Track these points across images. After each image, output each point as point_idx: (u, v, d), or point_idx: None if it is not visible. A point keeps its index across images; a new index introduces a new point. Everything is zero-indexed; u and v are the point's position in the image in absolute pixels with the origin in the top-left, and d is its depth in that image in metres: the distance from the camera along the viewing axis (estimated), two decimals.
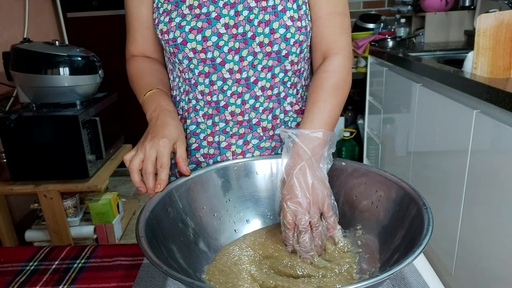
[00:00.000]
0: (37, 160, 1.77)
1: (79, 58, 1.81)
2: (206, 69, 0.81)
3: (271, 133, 0.86)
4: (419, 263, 0.71)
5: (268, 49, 0.79)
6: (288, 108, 0.86)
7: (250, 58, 0.79)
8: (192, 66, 0.81)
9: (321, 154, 0.70)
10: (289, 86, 0.85)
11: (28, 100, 1.83)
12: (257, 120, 0.85)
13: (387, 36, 2.53)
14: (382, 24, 2.78)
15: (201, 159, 0.87)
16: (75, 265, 0.77)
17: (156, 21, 0.81)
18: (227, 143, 0.85)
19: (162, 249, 0.59)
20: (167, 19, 0.79)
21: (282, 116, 0.86)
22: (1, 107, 2.00)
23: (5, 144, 1.74)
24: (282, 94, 0.85)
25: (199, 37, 0.78)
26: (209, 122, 0.85)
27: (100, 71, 1.92)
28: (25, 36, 2.12)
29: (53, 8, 2.70)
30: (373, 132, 2.62)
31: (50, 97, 1.81)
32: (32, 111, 1.79)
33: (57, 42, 1.83)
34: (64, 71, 1.77)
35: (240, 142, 0.85)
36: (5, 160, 1.78)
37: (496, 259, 1.25)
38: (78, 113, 1.74)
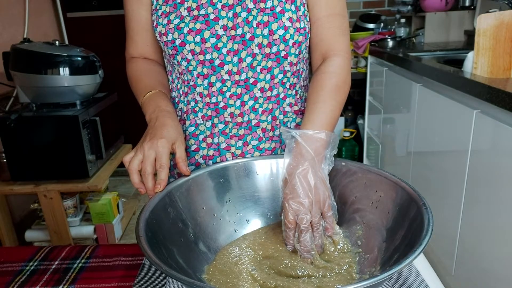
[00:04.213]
0: (37, 160, 1.77)
1: (79, 58, 1.81)
2: (205, 70, 0.81)
3: (270, 134, 0.86)
4: (419, 263, 0.71)
5: (267, 50, 0.79)
6: (287, 108, 0.86)
7: (249, 59, 0.80)
8: (191, 68, 0.81)
9: (323, 155, 0.71)
10: (288, 87, 0.85)
11: (28, 100, 1.83)
12: (257, 121, 0.85)
13: (387, 36, 2.53)
14: (382, 24, 2.78)
15: (201, 160, 0.87)
16: (75, 265, 0.77)
17: (155, 23, 0.82)
18: (226, 145, 0.86)
19: (162, 249, 0.59)
20: (165, 21, 0.79)
21: (281, 117, 0.86)
22: (1, 107, 2.00)
23: (5, 144, 1.74)
24: (281, 95, 0.85)
25: (197, 39, 0.78)
26: (208, 124, 0.85)
27: (100, 71, 1.92)
28: (25, 36, 2.12)
29: (53, 8, 2.70)
30: (373, 132, 2.62)
31: (50, 97, 1.81)
32: (32, 111, 1.79)
33: (57, 42, 1.83)
34: (64, 71, 1.77)
35: (240, 143, 0.85)
36: (5, 160, 1.78)
37: (496, 259, 1.25)
38: (78, 113, 1.74)
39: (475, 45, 1.42)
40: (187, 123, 0.86)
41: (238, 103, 0.83)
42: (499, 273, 1.23)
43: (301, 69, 0.87)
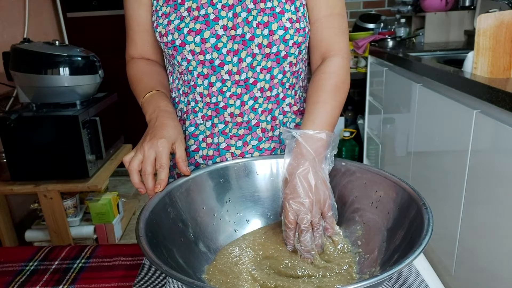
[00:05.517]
0: (37, 160, 1.77)
1: (79, 58, 1.81)
2: (205, 70, 0.81)
3: (270, 134, 0.86)
4: (419, 263, 0.71)
5: (267, 50, 0.79)
6: (286, 109, 0.86)
7: (249, 59, 0.80)
8: (191, 68, 0.81)
9: (323, 155, 0.71)
10: (287, 87, 0.85)
11: (28, 100, 1.83)
12: (256, 121, 0.85)
13: (387, 36, 2.53)
14: (382, 24, 2.78)
15: (200, 160, 0.87)
16: (75, 265, 0.77)
17: (155, 24, 0.82)
18: (226, 145, 0.86)
19: (162, 249, 0.59)
20: (165, 22, 0.79)
21: (281, 117, 0.86)
22: (1, 107, 2.00)
23: (5, 144, 1.74)
24: (281, 95, 0.85)
25: (197, 39, 0.78)
26: (208, 124, 0.85)
27: (100, 71, 1.92)
28: (25, 36, 2.12)
29: (53, 8, 2.70)
30: (373, 132, 2.62)
31: (50, 97, 1.81)
32: (32, 111, 1.79)
33: (57, 42, 1.83)
34: (64, 71, 1.77)
35: (240, 143, 0.86)
36: (5, 160, 1.78)
37: (496, 259, 1.25)
38: (78, 113, 1.74)
39: (475, 45, 1.42)
40: (187, 123, 0.86)
41: (238, 103, 0.83)
42: (499, 273, 1.23)
43: (300, 70, 0.87)
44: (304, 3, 0.80)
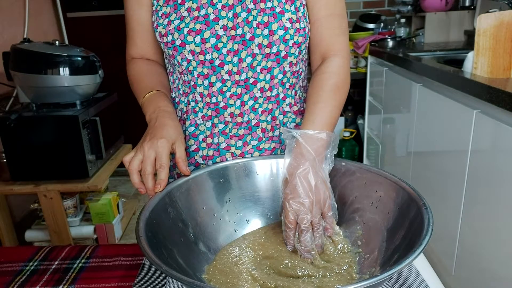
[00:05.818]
0: (37, 160, 1.77)
1: (79, 58, 1.81)
2: (205, 70, 0.81)
3: (270, 134, 0.86)
4: (419, 263, 0.71)
5: (267, 50, 0.79)
6: (287, 109, 0.86)
7: (249, 59, 0.80)
8: (191, 68, 0.81)
9: (324, 155, 0.71)
10: (287, 87, 0.85)
11: (28, 100, 1.83)
12: (257, 121, 0.85)
13: (387, 36, 2.53)
14: (382, 24, 2.78)
15: (200, 160, 0.87)
16: (75, 265, 0.77)
17: (155, 24, 0.82)
18: (226, 145, 0.86)
19: (162, 249, 0.59)
20: (165, 22, 0.79)
21: (281, 117, 0.86)
22: (1, 107, 2.00)
23: (5, 144, 1.74)
24: (281, 95, 0.85)
25: (197, 39, 0.78)
26: (208, 124, 0.85)
27: (100, 71, 1.92)
28: (25, 36, 2.12)
29: (53, 8, 2.70)
30: (373, 132, 2.62)
31: (50, 97, 1.81)
32: (32, 111, 1.79)
33: (57, 42, 1.83)
34: (64, 71, 1.77)
35: (240, 143, 0.86)
36: (5, 160, 1.78)
37: (496, 259, 1.25)
38: (78, 113, 1.74)
39: (475, 45, 1.42)
40: (187, 123, 0.86)
41: (238, 103, 0.83)
42: (499, 273, 1.23)
43: (301, 70, 0.87)
44: (304, 3, 0.80)
